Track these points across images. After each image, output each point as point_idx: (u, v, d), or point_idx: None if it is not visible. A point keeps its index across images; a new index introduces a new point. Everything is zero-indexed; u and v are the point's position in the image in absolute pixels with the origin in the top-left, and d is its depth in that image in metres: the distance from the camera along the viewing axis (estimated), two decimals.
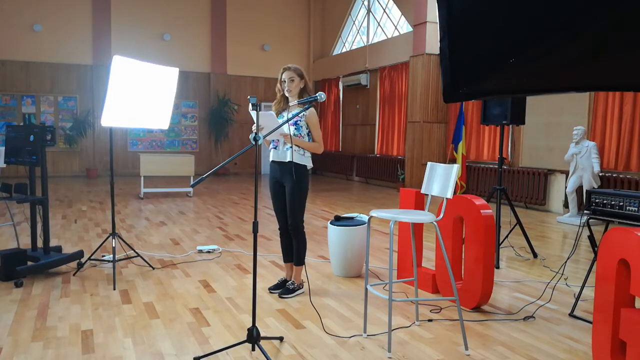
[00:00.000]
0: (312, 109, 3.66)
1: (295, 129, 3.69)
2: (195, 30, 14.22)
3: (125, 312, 3.47)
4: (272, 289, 3.95)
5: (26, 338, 3.01)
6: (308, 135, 3.77)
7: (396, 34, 12.15)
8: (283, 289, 3.88)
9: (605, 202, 3.34)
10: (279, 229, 3.97)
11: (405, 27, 11.80)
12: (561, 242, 6.10)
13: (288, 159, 3.72)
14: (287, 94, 3.78)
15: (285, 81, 3.74)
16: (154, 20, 13.66)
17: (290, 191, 3.76)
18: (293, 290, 3.87)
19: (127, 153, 13.59)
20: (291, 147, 3.67)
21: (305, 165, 3.78)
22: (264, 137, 3.21)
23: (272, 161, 3.84)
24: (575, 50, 1.50)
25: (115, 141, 11.95)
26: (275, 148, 3.79)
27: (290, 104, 3.68)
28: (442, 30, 1.74)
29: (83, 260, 4.51)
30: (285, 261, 4.03)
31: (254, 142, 2.87)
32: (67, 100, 13.09)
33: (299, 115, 3.67)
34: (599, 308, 2.60)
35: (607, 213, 3.34)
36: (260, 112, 3.56)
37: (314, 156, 3.91)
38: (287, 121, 3.27)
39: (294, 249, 3.89)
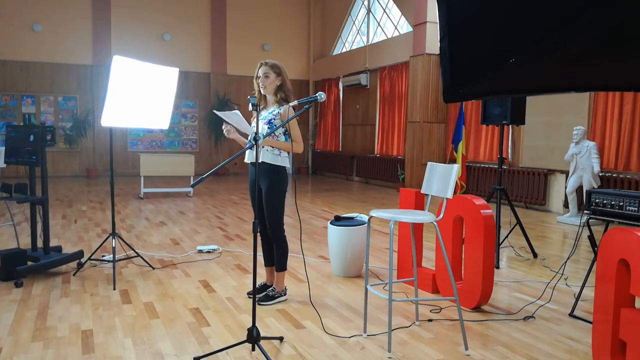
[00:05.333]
0: (286, 106, 3.53)
1: (269, 127, 3.53)
2: (195, 30, 14.22)
3: (125, 312, 3.47)
4: (250, 294, 3.76)
5: (26, 338, 3.01)
6: (285, 134, 3.57)
7: (396, 34, 12.15)
8: (263, 295, 3.69)
9: (605, 202, 3.34)
10: (259, 232, 3.69)
11: (405, 27, 11.79)
12: (561, 242, 6.10)
13: (261, 160, 3.52)
14: (262, 91, 3.61)
15: (260, 77, 3.57)
16: (154, 20, 13.66)
17: (265, 194, 3.58)
18: (273, 297, 3.68)
19: (127, 153, 13.59)
20: (263, 147, 3.51)
21: (282, 166, 3.58)
22: (264, 136, 3.21)
23: (250, 162, 3.60)
24: (575, 50, 1.50)
25: (115, 141, 11.96)
26: (250, 148, 3.45)
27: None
28: (442, 30, 1.75)
29: (83, 260, 4.51)
30: (266, 265, 3.85)
31: (254, 142, 2.87)
32: (67, 100, 13.09)
33: (274, 113, 3.58)
34: (599, 308, 2.60)
35: (607, 213, 3.34)
36: (224, 112, 3.51)
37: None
38: (283, 123, 3.26)
39: (274, 254, 3.71)
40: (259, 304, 3.59)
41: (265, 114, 3.65)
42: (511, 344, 3.04)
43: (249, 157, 3.59)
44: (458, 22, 1.72)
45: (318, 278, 4.36)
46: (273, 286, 3.76)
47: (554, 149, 8.21)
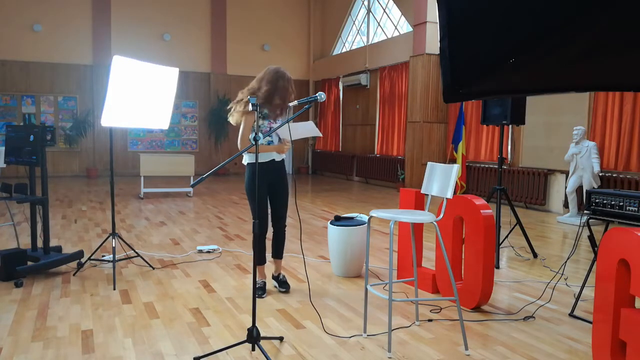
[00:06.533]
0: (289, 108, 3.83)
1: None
2: (195, 30, 14.22)
3: (125, 312, 3.47)
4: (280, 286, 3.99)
5: (26, 338, 3.01)
6: None
7: (396, 34, 12.15)
8: (284, 284, 3.97)
9: (605, 202, 3.34)
10: (260, 230, 3.72)
11: (405, 27, 11.79)
12: (561, 242, 6.10)
13: (281, 158, 3.87)
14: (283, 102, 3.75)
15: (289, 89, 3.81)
16: (154, 20, 13.66)
17: (284, 189, 3.89)
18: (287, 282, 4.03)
19: (127, 153, 13.59)
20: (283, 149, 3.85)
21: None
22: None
23: (261, 162, 3.67)
24: (575, 50, 1.50)
25: (115, 141, 11.96)
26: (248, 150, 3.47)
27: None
28: (442, 30, 1.75)
29: (83, 260, 4.51)
30: (261, 263, 3.97)
31: (254, 142, 2.87)
32: (67, 100, 13.09)
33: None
34: (599, 308, 2.60)
35: (607, 213, 3.34)
36: (296, 124, 3.58)
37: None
38: (283, 123, 3.28)
39: (280, 244, 4.02)
40: (287, 293, 3.89)
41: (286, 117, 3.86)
42: (511, 344, 3.04)
43: (272, 155, 3.83)
44: (458, 22, 1.72)
45: (318, 278, 4.36)
46: (281, 273, 4.05)
47: (554, 149, 8.21)
